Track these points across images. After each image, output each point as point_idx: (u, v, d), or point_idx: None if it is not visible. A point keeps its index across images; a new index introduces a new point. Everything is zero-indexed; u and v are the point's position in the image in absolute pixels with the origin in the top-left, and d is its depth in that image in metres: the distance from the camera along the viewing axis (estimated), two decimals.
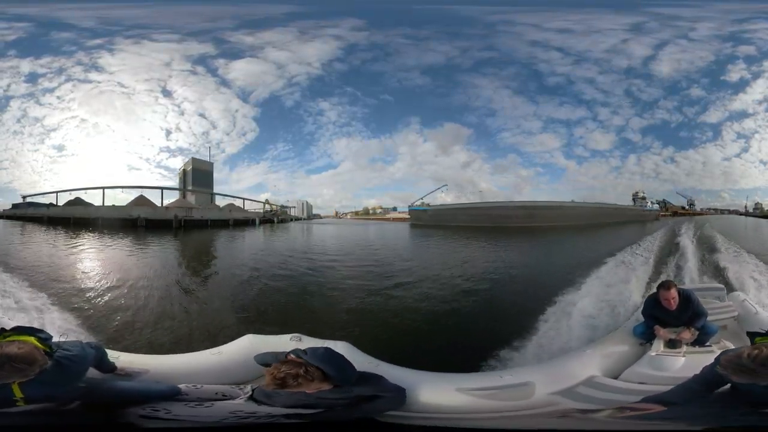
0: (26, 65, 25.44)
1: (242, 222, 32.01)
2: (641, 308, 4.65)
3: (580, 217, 24.27)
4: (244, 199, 32.83)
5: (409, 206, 32.64)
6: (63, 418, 3.17)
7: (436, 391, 3.62)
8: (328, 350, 3.58)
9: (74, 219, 25.29)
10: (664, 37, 21.95)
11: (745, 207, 29.38)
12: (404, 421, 3.47)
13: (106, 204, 27.21)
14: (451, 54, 25.14)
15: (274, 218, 34.53)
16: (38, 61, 25.57)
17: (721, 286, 5.72)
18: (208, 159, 31.58)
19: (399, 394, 3.44)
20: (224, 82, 29.11)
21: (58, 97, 27.04)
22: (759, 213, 28.17)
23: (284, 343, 4.23)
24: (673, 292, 4.24)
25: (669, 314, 4.29)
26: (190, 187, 31.01)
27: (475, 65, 25.46)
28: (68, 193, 27.61)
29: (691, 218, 27.18)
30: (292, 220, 36.20)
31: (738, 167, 27.34)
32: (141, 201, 27.97)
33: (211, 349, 4.25)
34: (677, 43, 22.17)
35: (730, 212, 29.82)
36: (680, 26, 21.21)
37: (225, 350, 4.23)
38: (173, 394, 3.45)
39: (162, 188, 29.36)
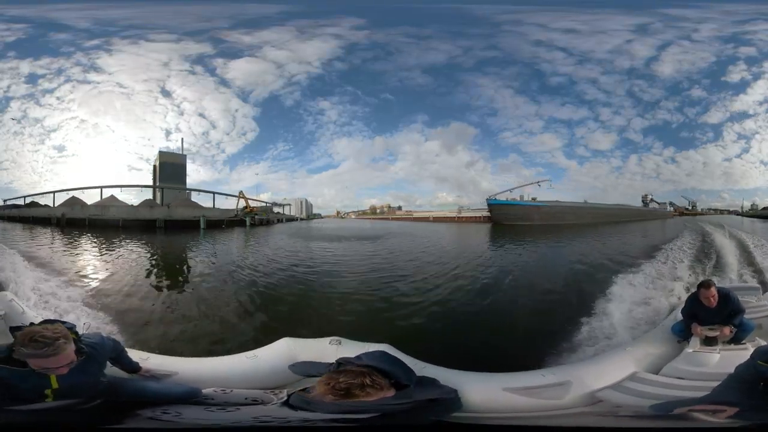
0: (26, 66, 25.25)
1: (189, 224, 27.93)
2: (681, 307, 4.77)
3: (639, 216, 31.79)
4: (214, 193, 30.28)
5: (489, 199, 30.17)
6: (85, 417, 3.15)
7: (485, 391, 3.60)
8: (384, 354, 3.48)
9: (20, 217, 27.95)
10: (668, 38, 22.16)
11: (742, 207, 29.81)
12: (456, 421, 3.42)
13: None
14: (454, 53, 25.22)
15: (248, 218, 30.11)
16: (37, 62, 25.39)
17: (757, 285, 5.89)
18: (180, 152, 29.82)
19: (456, 396, 3.37)
20: (223, 82, 28.91)
21: (58, 98, 26.87)
22: (753, 213, 28.62)
23: (323, 347, 4.14)
24: (713, 291, 4.36)
25: (708, 312, 4.39)
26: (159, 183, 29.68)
27: (477, 64, 25.55)
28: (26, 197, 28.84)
29: (694, 217, 30.69)
30: (280, 221, 32.85)
31: (738, 168, 27.70)
32: (71, 201, 28.59)
33: (246, 353, 4.17)
34: (679, 44, 22.39)
35: (729, 212, 30.24)
36: (684, 27, 21.41)
37: (261, 354, 4.14)
38: (191, 398, 3.39)
39: (101, 187, 28.37)
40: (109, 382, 3.23)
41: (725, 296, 4.41)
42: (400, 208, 34.19)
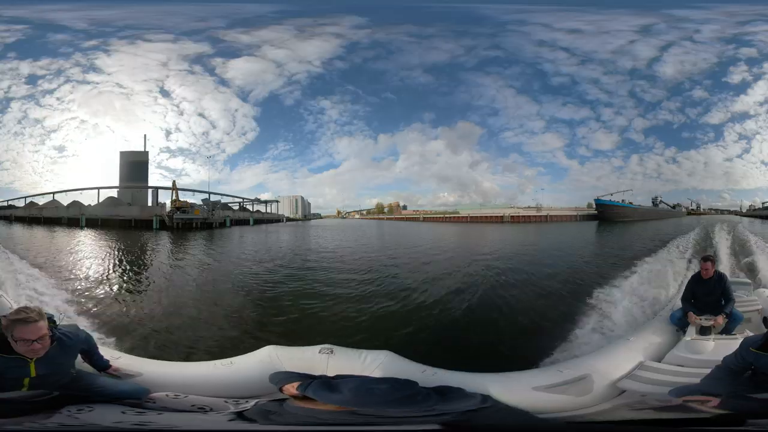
0: (26, 67, 25.41)
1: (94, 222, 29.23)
2: (678, 297, 5.15)
3: (669, 215, 35.09)
4: (157, 188, 30.07)
5: (598, 199, 32.79)
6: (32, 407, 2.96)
7: (515, 392, 3.45)
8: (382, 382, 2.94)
9: None
10: (670, 39, 22.17)
11: (740, 207, 29.93)
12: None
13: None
14: (456, 52, 25.20)
15: (155, 219, 27.51)
16: (37, 63, 25.51)
17: (749, 281, 6.21)
18: (143, 149, 29.98)
19: (493, 403, 2.90)
20: (223, 82, 29.04)
21: (58, 99, 27.00)
22: (751, 213, 28.82)
23: (311, 356, 3.79)
24: (709, 264, 4.98)
25: (704, 288, 4.88)
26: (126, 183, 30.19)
27: (480, 64, 25.56)
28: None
29: (699, 217, 31.91)
30: (246, 221, 30.30)
31: (739, 168, 27.80)
32: (29, 205, 32.98)
33: (223, 360, 3.88)
34: (682, 45, 22.41)
35: (729, 212, 30.34)
36: (686, 28, 21.38)
37: (238, 361, 3.85)
38: (132, 397, 3.21)
39: (54, 193, 31.15)
40: (73, 375, 3.18)
41: (720, 276, 4.95)
42: (405, 207, 34.00)
